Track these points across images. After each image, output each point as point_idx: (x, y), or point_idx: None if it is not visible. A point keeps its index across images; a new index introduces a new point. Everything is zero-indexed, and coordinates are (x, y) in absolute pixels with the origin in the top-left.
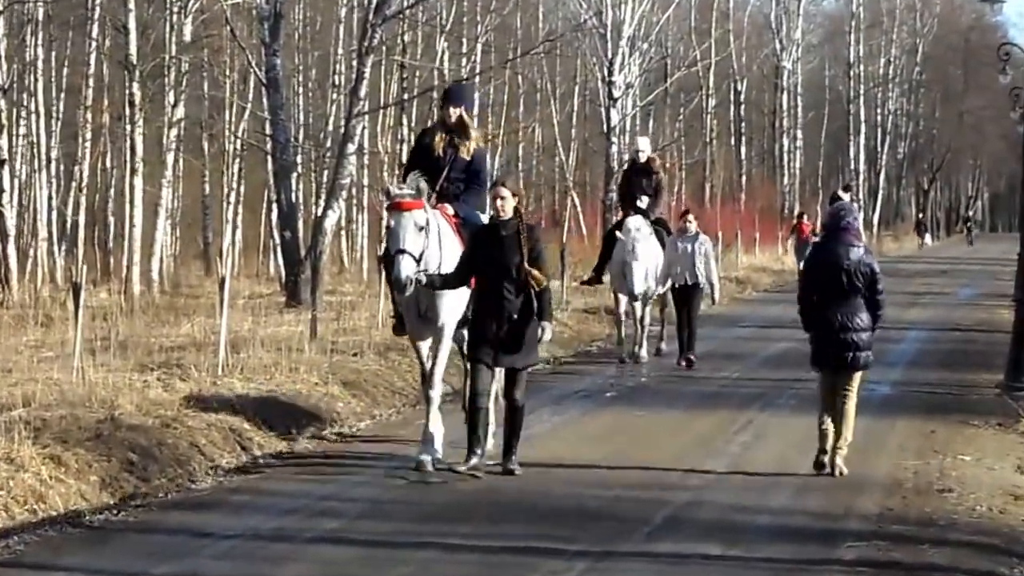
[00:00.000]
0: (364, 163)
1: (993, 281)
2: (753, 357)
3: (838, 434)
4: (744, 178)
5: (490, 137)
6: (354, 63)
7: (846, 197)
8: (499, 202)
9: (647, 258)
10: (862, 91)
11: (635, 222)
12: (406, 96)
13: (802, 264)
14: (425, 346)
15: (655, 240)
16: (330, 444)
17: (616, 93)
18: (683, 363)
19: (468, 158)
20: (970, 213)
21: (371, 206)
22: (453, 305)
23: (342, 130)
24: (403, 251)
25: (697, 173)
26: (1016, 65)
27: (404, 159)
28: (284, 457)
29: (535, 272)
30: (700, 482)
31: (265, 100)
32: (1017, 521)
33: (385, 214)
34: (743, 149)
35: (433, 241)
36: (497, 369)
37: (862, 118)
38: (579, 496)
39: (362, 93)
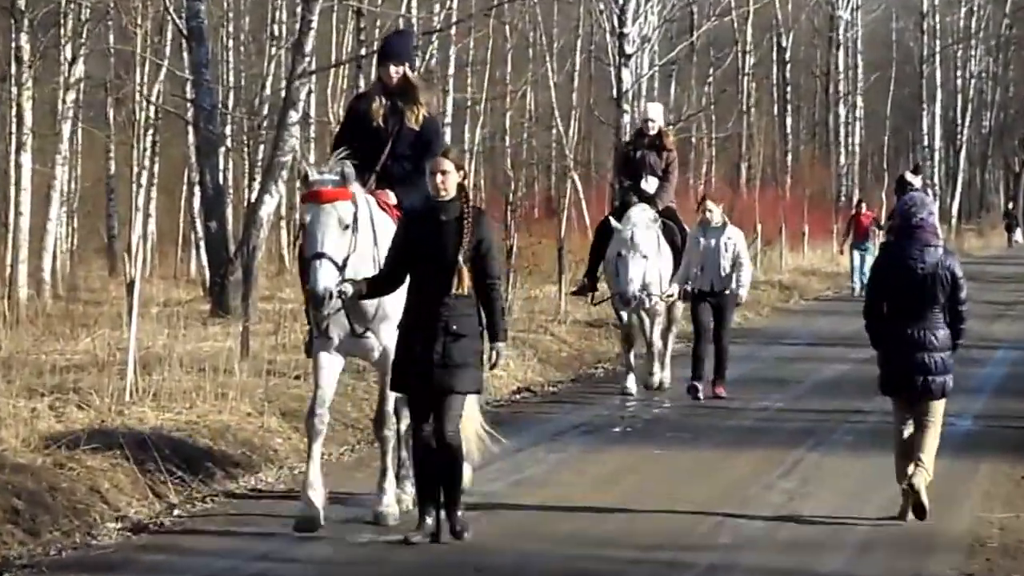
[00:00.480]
0: (310, 135)
1: None
2: (800, 383)
3: (915, 467)
4: (790, 157)
5: (469, 103)
6: (298, 10)
7: (916, 182)
8: (439, 178)
9: (648, 250)
10: (938, 48)
11: (638, 209)
12: (364, 51)
13: (855, 264)
14: (334, 372)
15: (660, 235)
16: (267, 490)
17: (629, 49)
18: (700, 394)
19: (416, 128)
20: None
21: None
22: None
23: (283, 94)
24: (322, 255)
25: (731, 150)
26: None
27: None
28: (208, 506)
29: (465, 272)
30: (733, 539)
31: (186, 56)
32: None
33: (300, 207)
34: (788, 120)
35: (365, 241)
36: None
37: (938, 82)
38: (579, 556)
39: (308, 48)
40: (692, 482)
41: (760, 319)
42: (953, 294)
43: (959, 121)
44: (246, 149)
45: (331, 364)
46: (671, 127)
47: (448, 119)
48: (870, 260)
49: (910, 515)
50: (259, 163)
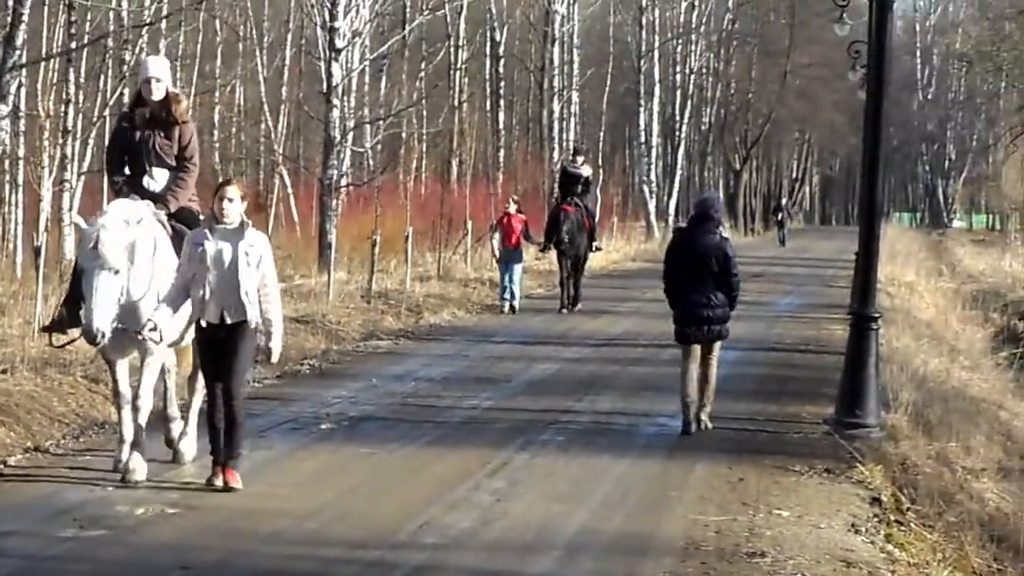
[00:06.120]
0: (20, 129)
1: (823, 288)
2: (509, 382)
3: (701, 397)
4: (502, 152)
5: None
6: (9, 2)
7: (582, 165)
8: None
9: (121, 262)
10: (657, 43)
11: (121, 204)
12: (74, 45)
13: (504, 281)
14: None
15: (163, 238)
16: None
17: (339, 43)
18: (219, 480)
19: None
20: (784, 201)
21: (28, 183)
22: None
23: None
24: None
25: (442, 146)
26: (857, 13)
27: (70, 124)
28: None
29: None
30: (439, 540)
31: None
32: None
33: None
34: (502, 116)
35: None
36: None
37: (656, 78)
38: (285, 555)
39: (19, 41)
40: (399, 482)
41: (470, 317)
42: (725, 268)
43: (678, 118)
44: None
45: None
46: (382, 120)
47: None
48: (519, 273)
49: (703, 421)
50: None
